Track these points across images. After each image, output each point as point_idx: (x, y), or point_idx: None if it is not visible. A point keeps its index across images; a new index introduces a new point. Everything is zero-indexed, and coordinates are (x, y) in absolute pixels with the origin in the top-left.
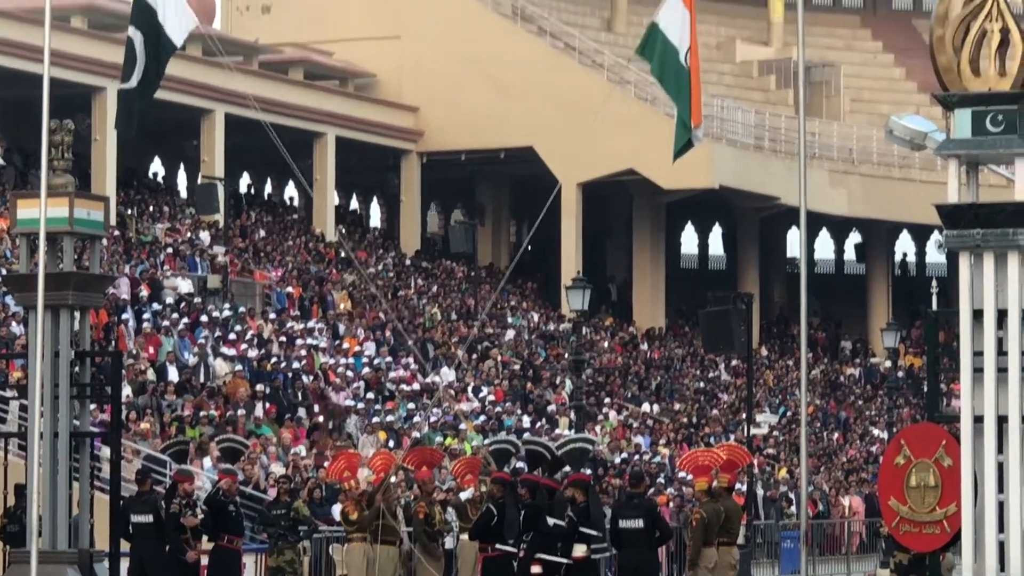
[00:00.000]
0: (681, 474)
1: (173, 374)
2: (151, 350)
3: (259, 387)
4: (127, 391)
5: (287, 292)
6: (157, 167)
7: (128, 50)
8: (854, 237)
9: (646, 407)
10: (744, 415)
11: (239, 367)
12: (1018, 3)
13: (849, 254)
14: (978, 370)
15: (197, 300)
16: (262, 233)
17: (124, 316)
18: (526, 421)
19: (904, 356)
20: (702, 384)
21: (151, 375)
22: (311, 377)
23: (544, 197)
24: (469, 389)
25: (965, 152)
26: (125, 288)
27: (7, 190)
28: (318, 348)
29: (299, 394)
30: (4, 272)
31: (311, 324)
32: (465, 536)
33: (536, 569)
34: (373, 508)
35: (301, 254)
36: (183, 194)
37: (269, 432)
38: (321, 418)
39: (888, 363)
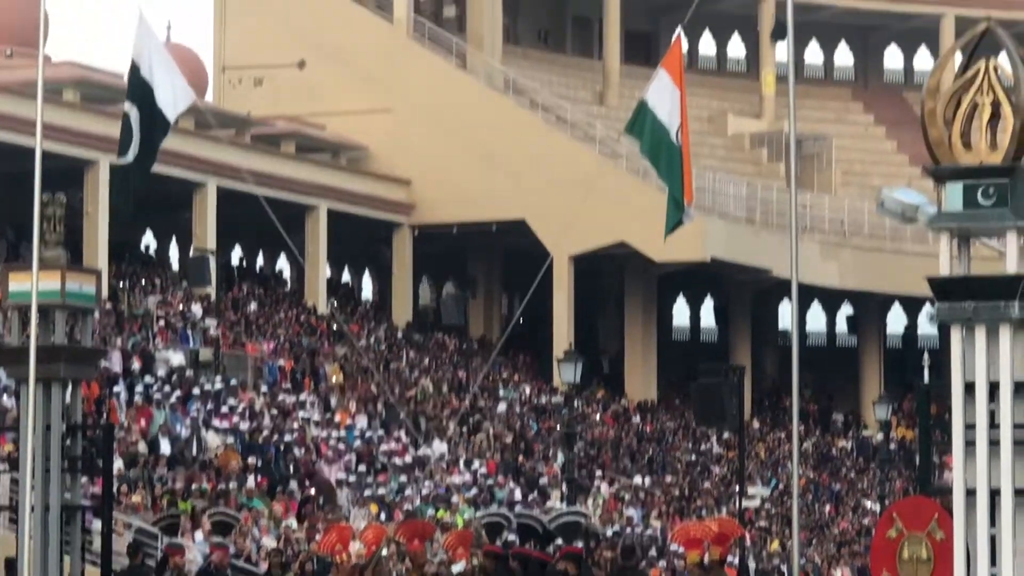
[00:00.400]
0: (673, 547)
1: (165, 447)
2: (143, 423)
3: (251, 460)
4: (119, 464)
5: (279, 365)
6: (149, 240)
7: (124, 125)
8: (846, 309)
9: (638, 479)
10: (736, 487)
11: (231, 440)
12: (1009, 76)
13: (841, 326)
14: (970, 443)
15: (189, 373)
16: (254, 306)
17: (116, 389)
18: (518, 494)
19: (896, 428)
20: (694, 457)
21: (143, 448)
22: (303, 450)
23: (536, 270)
24: (461, 462)
25: (957, 225)
26: (117, 361)
27: None
28: (310, 421)
29: (291, 467)
30: None
31: (303, 397)
32: None
33: None
34: None
35: (293, 327)
36: (175, 267)
37: (261, 505)
38: (313, 491)
39: (880, 435)
